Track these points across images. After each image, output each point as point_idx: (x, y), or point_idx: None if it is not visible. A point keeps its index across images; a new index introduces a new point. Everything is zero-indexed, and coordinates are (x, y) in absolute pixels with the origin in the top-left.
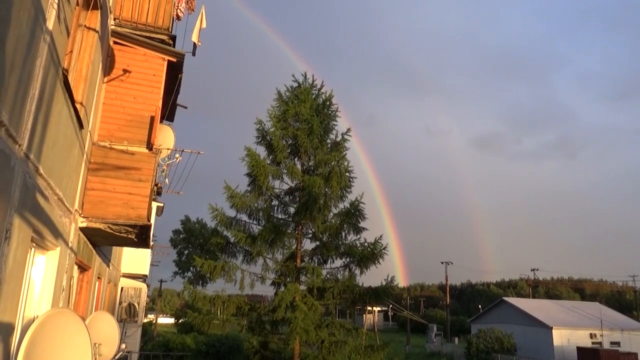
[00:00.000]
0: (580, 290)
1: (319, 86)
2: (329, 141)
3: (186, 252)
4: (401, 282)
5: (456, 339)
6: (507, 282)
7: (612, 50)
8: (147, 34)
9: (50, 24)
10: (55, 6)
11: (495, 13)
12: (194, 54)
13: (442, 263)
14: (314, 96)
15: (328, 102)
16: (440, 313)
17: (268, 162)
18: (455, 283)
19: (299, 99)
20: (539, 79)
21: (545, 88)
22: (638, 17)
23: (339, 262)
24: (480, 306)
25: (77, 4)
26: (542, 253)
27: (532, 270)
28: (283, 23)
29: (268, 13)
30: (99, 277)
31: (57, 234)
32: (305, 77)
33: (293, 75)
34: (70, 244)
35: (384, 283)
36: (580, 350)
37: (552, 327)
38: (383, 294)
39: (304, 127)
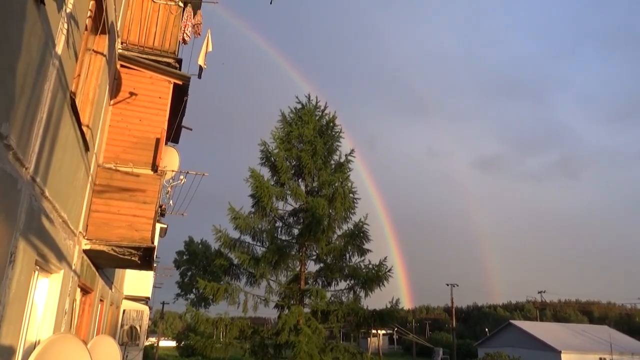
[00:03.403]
0: (589, 312)
1: (322, 107)
2: (332, 162)
3: (189, 273)
4: (406, 304)
5: None
6: (514, 305)
7: (612, 71)
8: (154, 58)
9: (60, 48)
10: (65, 32)
11: (494, 35)
12: (200, 76)
13: (448, 285)
14: (317, 117)
15: (331, 123)
16: (446, 336)
17: (272, 183)
18: (461, 305)
19: (302, 120)
20: (539, 100)
21: (546, 109)
22: (636, 39)
23: (343, 285)
24: (487, 329)
25: (86, 29)
26: (549, 275)
27: (539, 292)
28: (287, 46)
29: (273, 36)
30: (101, 300)
31: (61, 256)
32: (309, 98)
33: (297, 97)
34: (73, 267)
35: (388, 306)
36: None
37: (560, 351)
38: (388, 317)
39: (307, 148)
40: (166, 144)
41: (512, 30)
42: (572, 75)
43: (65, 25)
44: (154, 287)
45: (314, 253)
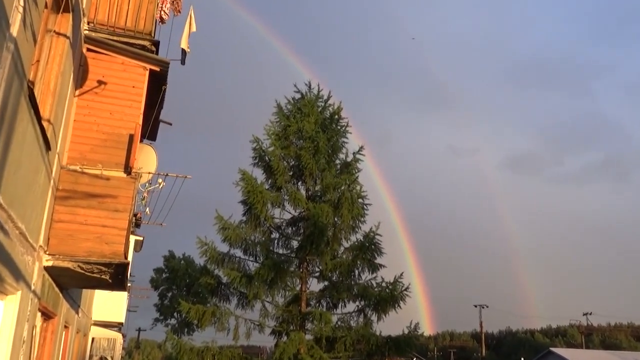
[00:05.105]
0: None
1: (325, 97)
2: (338, 162)
3: (169, 294)
4: (427, 330)
5: None
6: (555, 330)
7: None
8: (126, 40)
9: (15, 30)
10: (21, 9)
11: (526, 16)
12: (183, 62)
13: (476, 306)
14: (319, 109)
15: (336, 116)
16: None
17: (266, 187)
18: (492, 330)
19: (302, 112)
20: (579, 90)
21: (588, 99)
22: None
23: (351, 306)
24: (522, 358)
25: (46, 7)
26: (596, 294)
27: (584, 314)
28: (285, 26)
29: (268, 15)
30: (65, 326)
31: (18, 275)
32: (310, 86)
33: (295, 85)
34: (33, 287)
35: (406, 331)
36: None
37: None
38: (405, 344)
39: (308, 145)
40: (141, 141)
41: (547, 9)
42: (617, 60)
43: (22, 3)
44: (128, 310)
45: (317, 269)
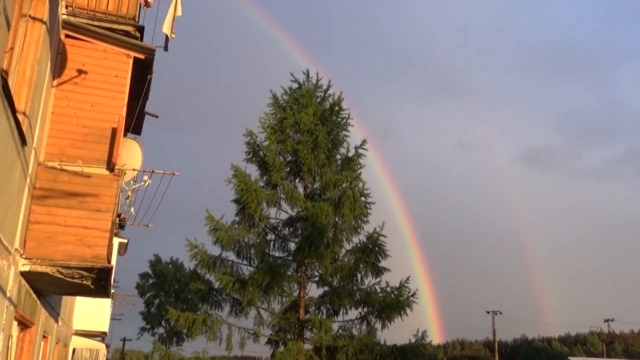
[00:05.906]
0: None
1: (325, 87)
2: (338, 157)
3: (157, 301)
4: (435, 338)
5: None
6: (574, 337)
7: None
8: (108, 25)
9: None
10: None
11: (541, 0)
12: (166, 48)
13: (489, 313)
14: (318, 100)
15: (337, 107)
16: None
17: (261, 184)
18: (506, 339)
19: (299, 103)
20: (599, 78)
21: (609, 89)
22: None
23: (353, 313)
24: None
25: None
26: (618, 299)
27: (605, 321)
28: (281, 11)
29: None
30: (44, 336)
31: None
32: (308, 75)
33: (292, 74)
34: (8, 294)
35: (412, 340)
36: None
37: None
38: (412, 354)
39: (306, 139)
40: (125, 135)
41: None
42: (639, 47)
43: None
44: (112, 319)
45: (316, 273)
